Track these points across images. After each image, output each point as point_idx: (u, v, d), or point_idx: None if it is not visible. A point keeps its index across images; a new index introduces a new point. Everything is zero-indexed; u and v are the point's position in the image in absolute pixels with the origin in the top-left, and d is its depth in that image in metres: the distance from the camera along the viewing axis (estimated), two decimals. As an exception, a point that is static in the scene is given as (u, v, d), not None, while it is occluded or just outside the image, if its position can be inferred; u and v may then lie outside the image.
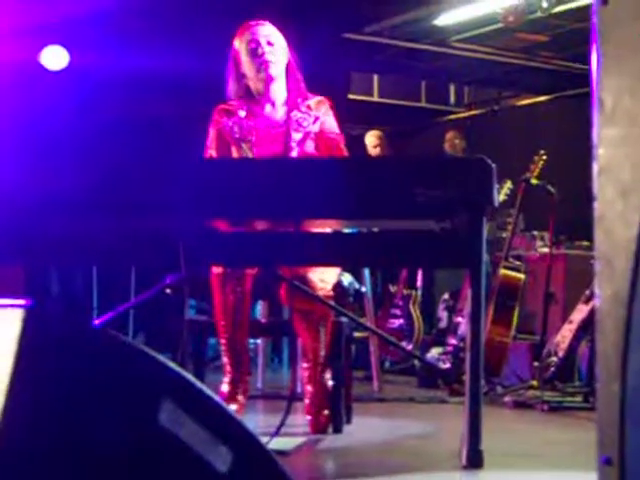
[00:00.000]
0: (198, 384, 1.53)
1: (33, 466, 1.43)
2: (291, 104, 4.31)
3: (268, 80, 4.28)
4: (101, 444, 1.46)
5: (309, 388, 4.23)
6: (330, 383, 4.23)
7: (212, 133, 4.36)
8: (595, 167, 1.13)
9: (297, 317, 4.18)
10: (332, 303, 4.13)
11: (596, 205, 1.12)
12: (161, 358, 1.52)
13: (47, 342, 1.46)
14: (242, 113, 4.32)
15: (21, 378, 1.42)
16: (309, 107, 4.32)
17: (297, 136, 4.27)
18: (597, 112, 1.13)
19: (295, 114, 4.29)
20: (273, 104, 4.33)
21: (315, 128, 4.31)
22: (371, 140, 8.44)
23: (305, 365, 4.24)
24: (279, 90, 4.33)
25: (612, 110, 1.10)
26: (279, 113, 4.33)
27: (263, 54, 4.27)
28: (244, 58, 4.32)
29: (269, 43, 4.30)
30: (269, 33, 4.32)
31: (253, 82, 4.34)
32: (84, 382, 1.46)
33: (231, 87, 4.38)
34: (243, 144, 4.26)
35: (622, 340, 1.04)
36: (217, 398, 1.55)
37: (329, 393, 4.22)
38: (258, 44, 4.29)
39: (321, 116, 4.33)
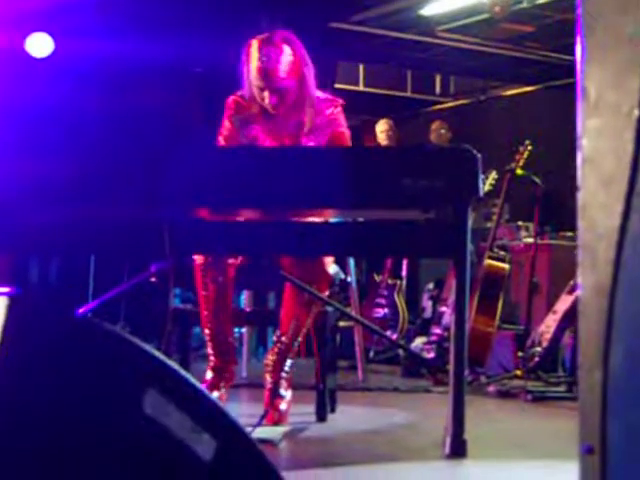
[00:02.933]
0: (182, 372, 1.53)
1: (16, 454, 1.43)
2: (302, 112, 4.24)
3: (272, 109, 4.23)
4: (85, 432, 1.46)
5: (272, 377, 4.18)
6: (285, 374, 4.19)
7: (226, 123, 4.31)
8: (579, 157, 1.14)
9: (291, 291, 4.16)
10: (293, 283, 4.12)
11: (579, 195, 1.13)
12: (145, 346, 1.52)
13: (30, 330, 1.46)
14: (254, 109, 4.26)
15: (4, 366, 1.42)
16: (323, 109, 4.27)
17: (309, 140, 4.24)
18: (581, 103, 1.14)
19: (308, 125, 4.24)
20: (283, 114, 4.27)
21: (327, 132, 4.27)
22: (381, 128, 8.52)
23: (276, 347, 4.20)
24: (285, 108, 4.22)
25: (596, 101, 1.11)
26: (289, 120, 4.28)
27: (263, 86, 4.15)
28: (250, 75, 4.24)
29: (278, 52, 4.17)
30: (267, 66, 4.13)
31: (259, 93, 4.25)
32: (68, 371, 1.46)
33: (245, 84, 4.29)
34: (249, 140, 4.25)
35: (604, 329, 1.05)
36: (201, 386, 1.55)
37: (288, 381, 4.20)
38: (255, 75, 4.15)
39: (338, 118, 4.29)
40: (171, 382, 1.53)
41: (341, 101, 4.35)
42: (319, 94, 4.32)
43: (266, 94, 4.16)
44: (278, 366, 4.17)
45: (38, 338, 1.46)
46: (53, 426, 1.45)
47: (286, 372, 4.19)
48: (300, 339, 4.19)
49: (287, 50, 4.16)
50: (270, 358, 4.21)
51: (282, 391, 4.14)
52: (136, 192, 3.48)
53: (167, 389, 1.51)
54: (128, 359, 1.52)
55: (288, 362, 4.19)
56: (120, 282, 5.18)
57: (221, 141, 4.31)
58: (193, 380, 1.54)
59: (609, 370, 1.03)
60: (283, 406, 4.13)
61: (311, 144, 4.22)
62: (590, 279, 1.07)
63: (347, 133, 4.32)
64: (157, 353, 1.53)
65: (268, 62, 4.11)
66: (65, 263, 6.42)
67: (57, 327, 1.48)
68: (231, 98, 4.33)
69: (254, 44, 4.16)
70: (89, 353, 1.49)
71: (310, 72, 4.24)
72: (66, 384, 1.46)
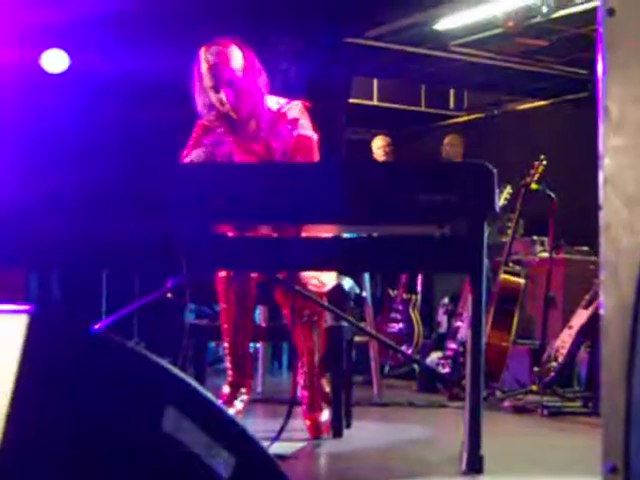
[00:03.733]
0: (201, 389, 1.54)
1: (37, 471, 1.43)
2: (265, 115, 4.26)
3: (233, 111, 4.22)
4: (104, 450, 1.47)
5: (305, 393, 4.24)
6: (327, 388, 4.24)
7: (191, 147, 4.30)
8: (601, 176, 1.14)
9: (290, 316, 4.20)
10: (325, 303, 4.14)
11: (602, 214, 1.12)
12: (164, 363, 1.52)
13: (51, 348, 1.47)
14: (220, 130, 4.27)
15: (25, 383, 1.43)
16: (284, 115, 4.26)
17: (278, 146, 4.24)
18: (603, 121, 1.13)
19: (273, 125, 4.25)
20: (246, 122, 4.29)
21: (293, 133, 4.27)
22: (378, 144, 8.47)
23: (302, 370, 4.25)
24: (243, 111, 4.24)
25: (618, 120, 1.10)
26: (253, 127, 4.28)
27: (215, 84, 4.16)
28: (203, 82, 4.22)
29: (218, 55, 4.17)
30: (216, 61, 4.16)
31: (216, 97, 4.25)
32: (87, 388, 1.47)
33: (198, 101, 4.29)
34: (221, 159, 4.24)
35: (627, 348, 1.04)
36: (219, 403, 1.55)
37: (327, 397, 4.23)
38: (206, 76, 4.17)
39: (299, 119, 4.27)
40: (189, 399, 1.53)
41: (301, 103, 4.34)
42: (276, 98, 4.34)
43: (222, 95, 4.16)
44: (309, 382, 4.21)
45: (58, 355, 1.46)
46: (72, 442, 1.45)
47: (320, 386, 4.22)
48: (318, 356, 4.20)
49: (235, 50, 4.19)
50: (300, 377, 4.24)
51: (321, 404, 4.21)
52: (152, 207, 3.48)
53: (185, 406, 1.51)
54: (147, 376, 1.52)
55: (324, 379, 4.23)
56: (131, 297, 5.20)
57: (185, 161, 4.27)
58: (211, 397, 1.54)
59: (632, 388, 1.03)
60: (323, 418, 4.17)
61: (275, 147, 4.23)
62: (613, 298, 1.07)
63: (314, 137, 4.29)
64: (175, 370, 1.53)
65: (216, 57, 4.14)
66: (79, 279, 6.43)
67: (77, 344, 1.49)
68: (199, 122, 4.33)
69: (200, 52, 4.20)
70: (108, 370, 1.49)
71: (261, 75, 4.26)
72: (85, 401, 1.47)
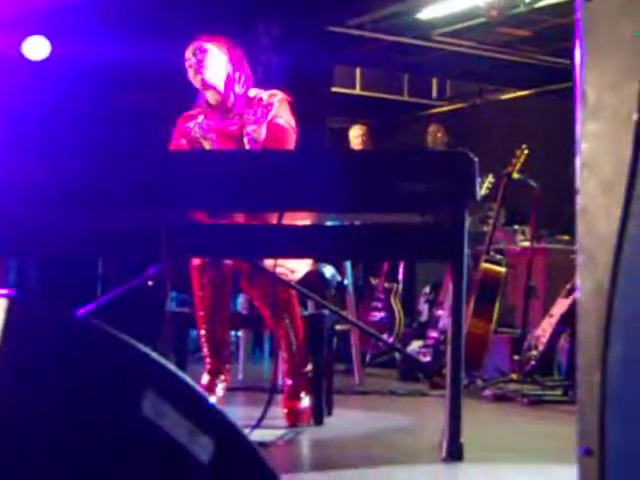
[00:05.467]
0: (180, 374, 1.54)
1: (14, 456, 1.43)
2: (241, 102, 4.34)
3: (205, 89, 4.35)
4: (84, 434, 1.47)
5: (287, 381, 4.25)
6: (309, 375, 4.25)
7: (175, 137, 4.42)
8: (578, 161, 1.14)
9: (260, 305, 4.22)
10: (292, 287, 4.15)
11: (579, 199, 1.13)
12: (143, 348, 1.52)
13: (30, 332, 1.46)
14: (201, 117, 4.40)
15: (3, 368, 1.42)
16: (261, 100, 4.34)
17: (251, 130, 4.30)
18: (580, 107, 1.14)
19: (248, 112, 4.33)
20: (223, 107, 4.36)
21: (267, 117, 4.33)
22: (354, 134, 8.42)
23: (284, 357, 4.25)
24: (220, 95, 4.36)
25: (595, 105, 1.11)
26: (230, 113, 4.36)
27: (193, 70, 4.32)
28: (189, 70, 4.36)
29: (198, 59, 4.31)
30: (197, 47, 4.34)
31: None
32: (67, 372, 1.47)
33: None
34: (204, 141, 4.33)
35: (603, 332, 1.05)
36: (199, 388, 1.55)
37: (308, 385, 4.24)
38: (189, 61, 4.33)
39: (274, 104, 4.34)
40: (169, 384, 1.53)
41: (281, 94, 4.40)
42: (258, 90, 4.42)
43: (208, 93, 4.36)
44: (291, 369, 4.22)
45: (37, 340, 1.46)
46: (52, 427, 1.45)
47: (303, 374, 4.23)
48: (295, 343, 4.20)
49: (213, 49, 4.33)
50: (283, 365, 4.25)
51: (301, 392, 4.21)
52: (133, 195, 3.48)
53: (165, 391, 1.51)
54: (127, 361, 1.52)
55: (308, 366, 4.24)
56: (114, 284, 5.19)
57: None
58: (190, 382, 1.54)
59: (607, 372, 1.04)
60: (302, 405, 4.18)
61: (253, 135, 4.31)
62: (589, 282, 1.08)
63: (288, 128, 4.35)
64: (155, 355, 1.53)
65: (195, 64, 4.31)
66: (57, 265, 6.41)
67: (56, 329, 1.49)
68: (182, 115, 4.48)
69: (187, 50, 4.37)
70: (88, 355, 1.49)
71: (239, 70, 4.37)
72: (65, 386, 1.47)
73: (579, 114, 1.14)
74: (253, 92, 4.39)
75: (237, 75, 4.34)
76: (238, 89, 4.34)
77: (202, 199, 3.47)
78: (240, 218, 3.91)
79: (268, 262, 4.02)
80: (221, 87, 4.34)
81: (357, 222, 3.88)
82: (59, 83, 6.93)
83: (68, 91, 6.86)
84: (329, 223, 3.97)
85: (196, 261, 4.22)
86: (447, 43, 8.96)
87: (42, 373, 1.45)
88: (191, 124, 4.40)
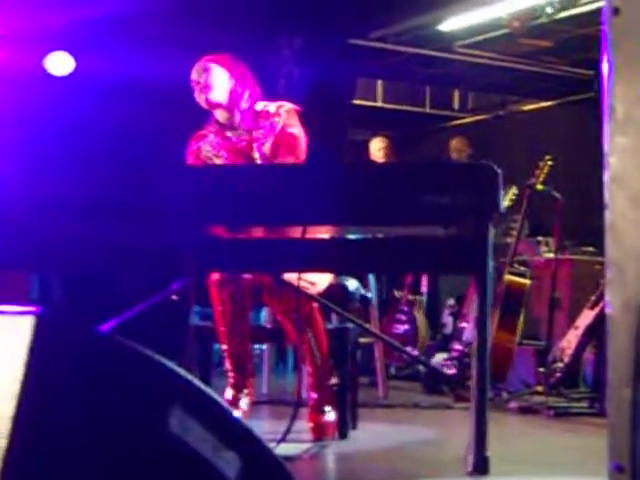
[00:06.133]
0: (206, 390, 1.54)
1: (43, 473, 1.43)
2: (248, 118, 4.36)
3: (211, 108, 4.39)
4: (111, 451, 1.47)
5: (312, 394, 4.24)
6: (334, 388, 4.24)
7: (188, 158, 4.44)
8: (606, 175, 1.13)
9: (282, 319, 4.22)
10: (317, 300, 4.14)
11: (607, 213, 1.12)
12: (169, 364, 1.52)
13: (57, 349, 1.46)
14: (211, 136, 4.43)
15: (32, 385, 1.43)
16: (268, 112, 4.36)
17: (259, 138, 4.33)
18: (608, 121, 1.13)
19: (257, 127, 4.35)
20: (231, 124, 4.39)
21: (276, 130, 4.33)
22: (376, 145, 8.41)
23: (309, 370, 4.25)
24: (226, 113, 4.39)
25: (623, 119, 1.10)
26: (238, 130, 4.39)
27: (197, 85, 4.37)
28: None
29: (201, 79, 4.36)
30: (200, 67, 4.39)
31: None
32: (94, 388, 1.47)
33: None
34: (216, 159, 4.35)
35: (633, 347, 1.04)
36: (225, 404, 1.55)
37: (334, 399, 4.23)
38: (193, 82, 4.39)
39: (281, 115, 4.34)
40: (195, 400, 1.53)
41: (289, 104, 4.42)
42: (266, 103, 4.44)
43: (216, 111, 4.41)
44: (316, 382, 4.21)
45: (64, 357, 1.46)
46: (78, 444, 1.45)
47: (328, 387, 4.21)
48: (319, 357, 4.20)
49: (215, 68, 4.38)
50: (308, 378, 4.24)
51: (326, 406, 4.19)
52: (154, 209, 3.48)
53: (192, 407, 1.51)
54: (153, 377, 1.52)
55: (333, 380, 4.22)
56: (136, 299, 5.19)
57: None
58: (217, 397, 1.54)
59: (638, 387, 1.03)
60: (327, 419, 4.17)
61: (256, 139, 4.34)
62: (619, 297, 1.07)
63: (299, 136, 4.36)
64: (181, 371, 1.53)
65: (198, 84, 4.38)
66: (81, 280, 6.43)
67: (83, 345, 1.49)
68: (194, 135, 4.51)
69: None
70: (115, 371, 1.49)
71: (242, 86, 4.39)
72: (92, 402, 1.47)
73: (607, 128, 1.13)
74: (260, 105, 4.41)
75: (240, 91, 4.36)
76: (243, 105, 4.36)
77: (222, 214, 3.46)
78: (259, 232, 3.90)
79: (289, 276, 4.02)
80: (225, 104, 4.37)
81: (379, 235, 3.87)
82: (82, 98, 6.95)
83: (91, 106, 6.89)
84: (351, 236, 3.96)
85: (215, 276, 4.22)
86: (469, 55, 8.95)
87: (69, 389, 1.45)
88: (202, 144, 4.43)
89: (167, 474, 1.49)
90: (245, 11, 6.91)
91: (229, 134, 4.39)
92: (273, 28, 7.21)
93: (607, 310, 1.11)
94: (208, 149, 4.40)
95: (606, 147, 1.12)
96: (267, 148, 4.30)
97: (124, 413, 1.48)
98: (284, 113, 4.34)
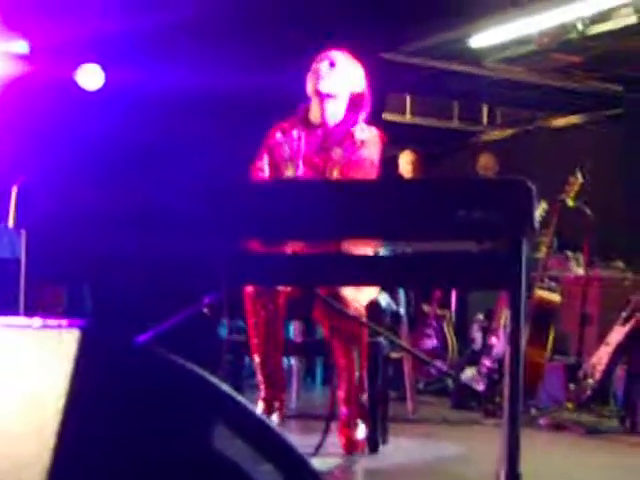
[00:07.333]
0: (246, 403, 1.54)
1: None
2: (341, 133, 4.31)
3: (317, 95, 4.32)
4: (153, 465, 1.47)
5: (344, 409, 4.23)
6: (366, 405, 4.23)
7: (264, 153, 4.37)
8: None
9: (330, 335, 4.20)
10: (365, 322, 4.13)
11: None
12: (210, 377, 1.53)
13: (102, 363, 1.47)
14: (295, 134, 4.36)
15: (77, 400, 1.43)
16: (353, 137, 4.31)
17: (336, 165, 4.27)
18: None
19: (339, 149, 4.30)
20: (323, 132, 4.34)
21: (353, 157, 4.30)
22: (405, 160, 8.40)
23: (341, 385, 4.24)
24: (329, 111, 4.34)
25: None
26: (325, 142, 4.34)
27: (319, 72, 4.32)
28: (309, 78, 4.35)
29: (332, 64, 4.31)
30: (336, 56, 4.36)
31: (312, 105, 4.37)
32: (138, 404, 1.47)
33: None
34: (289, 164, 4.29)
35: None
36: (266, 419, 1.56)
37: (365, 414, 4.22)
38: (320, 63, 4.34)
39: (363, 144, 4.31)
40: (236, 413, 1.53)
41: (376, 133, 4.43)
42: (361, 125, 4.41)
43: (318, 104, 4.38)
44: (348, 398, 4.20)
45: (109, 371, 1.47)
46: (122, 459, 1.46)
47: (360, 403, 4.20)
48: (358, 373, 4.19)
49: (352, 63, 4.46)
50: (340, 393, 4.23)
51: (357, 421, 4.18)
52: (186, 223, 3.49)
53: (232, 420, 1.51)
54: (195, 390, 1.52)
55: (364, 396, 4.21)
56: (168, 313, 5.20)
57: (258, 172, 4.35)
58: (258, 412, 1.55)
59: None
60: (358, 435, 4.16)
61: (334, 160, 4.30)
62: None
63: (372, 171, 4.34)
64: (223, 384, 1.53)
65: (333, 53, 4.41)
66: (116, 293, 6.45)
67: (127, 360, 1.50)
68: (276, 125, 4.43)
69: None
70: (158, 385, 1.50)
71: (367, 92, 4.45)
72: (136, 417, 1.47)
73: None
74: (357, 128, 4.37)
75: (359, 100, 4.36)
76: (352, 116, 4.34)
77: (259, 228, 3.47)
78: (294, 247, 3.91)
79: (346, 292, 4.03)
80: (338, 103, 4.35)
81: (410, 250, 3.87)
82: (115, 112, 6.99)
83: (124, 120, 6.92)
84: (384, 251, 3.95)
85: (249, 288, 4.22)
86: (498, 70, 8.94)
87: (114, 405, 1.45)
88: (282, 138, 4.37)
89: (209, 488, 1.49)
90: (274, 24, 6.93)
91: (313, 139, 4.34)
92: (302, 41, 7.22)
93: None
94: (286, 150, 4.34)
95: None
96: (337, 172, 4.26)
97: (167, 427, 1.49)
98: (367, 142, 4.32)
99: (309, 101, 4.39)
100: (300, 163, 4.30)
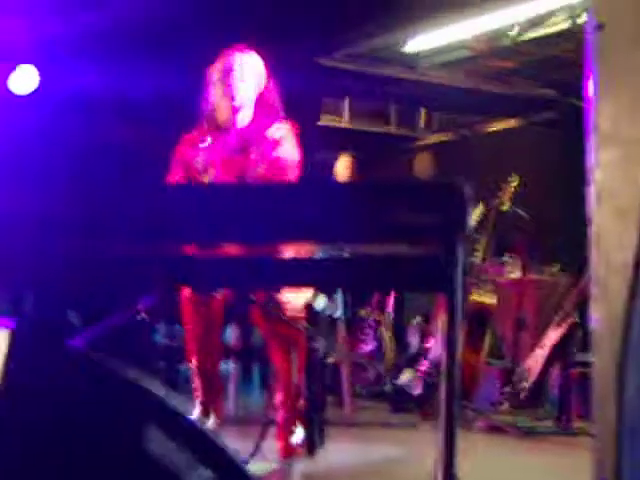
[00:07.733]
0: (180, 409, 1.52)
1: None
2: (254, 133, 4.30)
3: (233, 110, 4.29)
4: (84, 468, 1.45)
5: (281, 413, 4.21)
6: (302, 408, 4.22)
7: (178, 169, 4.32)
8: (592, 190, 1.13)
9: (268, 339, 4.19)
10: (303, 326, 4.12)
11: (592, 228, 1.12)
12: (143, 381, 1.51)
13: (32, 364, 1.45)
14: (205, 143, 4.30)
15: (7, 398, 1.41)
16: (265, 134, 4.30)
17: (257, 164, 4.26)
18: (593, 135, 1.13)
19: (254, 148, 4.28)
20: (235, 134, 4.32)
21: (271, 155, 4.29)
22: (342, 164, 8.39)
23: (279, 389, 4.22)
24: (242, 119, 4.33)
25: (609, 133, 1.10)
26: (240, 143, 4.32)
27: (229, 83, 4.28)
28: (214, 85, 4.31)
29: (240, 75, 4.29)
30: (240, 62, 4.31)
31: (219, 110, 4.33)
32: (67, 405, 1.45)
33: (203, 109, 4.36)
34: (206, 173, 4.25)
35: (618, 362, 1.04)
36: (200, 423, 1.54)
37: (303, 418, 4.21)
38: (229, 72, 4.29)
39: (279, 142, 4.30)
40: (168, 417, 1.52)
41: (287, 126, 4.39)
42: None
43: (227, 102, 4.35)
44: (286, 403, 4.18)
45: (39, 372, 1.45)
46: (52, 460, 1.44)
47: (296, 408, 4.19)
48: (296, 377, 4.18)
49: (253, 59, 4.42)
50: (278, 397, 4.21)
51: (293, 426, 4.17)
52: (119, 227, 3.45)
53: (165, 424, 1.50)
54: (127, 394, 1.51)
55: (301, 400, 4.20)
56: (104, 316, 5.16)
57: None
58: (190, 416, 1.53)
59: (623, 402, 1.03)
60: (296, 439, 4.14)
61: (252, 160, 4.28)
62: (603, 312, 1.07)
63: (289, 160, 4.33)
64: (154, 388, 1.52)
65: (239, 57, 4.37)
66: (51, 296, 6.38)
67: (58, 361, 1.47)
68: (183, 138, 4.42)
69: (222, 54, 4.41)
70: (89, 388, 1.48)
71: (273, 84, 4.45)
72: (65, 418, 1.45)
73: (592, 143, 1.14)
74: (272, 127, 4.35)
75: (269, 95, 4.34)
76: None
77: (195, 232, 3.44)
78: (228, 250, 3.88)
79: (286, 295, 4.01)
80: (250, 108, 4.32)
81: (345, 253, 3.87)
82: (47, 115, 6.91)
83: (55, 122, 6.84)
84: (320, 254, 3.95)
85: (187, 293, 4.19)
86: (433, 75, 8.98)
87: (43, 406, 1.43)
88: (193, 150, 4.29)
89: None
90: (210, 28, 6.89)
91: (225, 141, 4.30)
92: (239, 45, 7.19)
93: (592, 325, 1.11)
94: (199, 161, 4.30)
95: (591, 162, 1.13)
96: (261, 171, 4.24)
97: (97, 430, 1.47)
98: (282, 139, 4.30)
99: (207, 104, 4.35)
100: (214, 171, 4.27)
